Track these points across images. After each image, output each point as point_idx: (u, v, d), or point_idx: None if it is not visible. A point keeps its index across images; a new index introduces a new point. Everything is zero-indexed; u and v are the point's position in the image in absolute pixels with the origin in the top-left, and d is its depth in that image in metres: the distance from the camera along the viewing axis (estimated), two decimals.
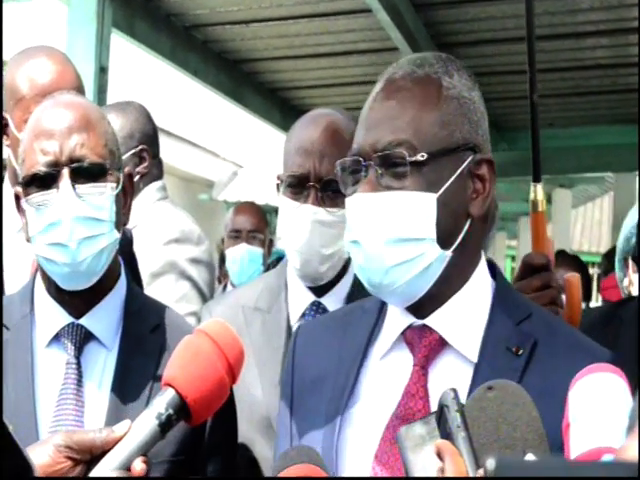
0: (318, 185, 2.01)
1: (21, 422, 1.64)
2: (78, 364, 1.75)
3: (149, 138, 2.92)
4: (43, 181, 1.70)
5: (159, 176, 2.96)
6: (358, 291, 1.93)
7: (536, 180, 2.08)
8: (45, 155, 1.71)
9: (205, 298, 2.75)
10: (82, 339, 1.77)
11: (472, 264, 1.48)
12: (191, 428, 1.56)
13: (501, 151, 6.73)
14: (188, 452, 1.74)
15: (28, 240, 1.76)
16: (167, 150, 4.53)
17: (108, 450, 1.40)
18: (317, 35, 4.98)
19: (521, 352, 1.41)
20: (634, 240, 2.35)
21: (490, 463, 0.81)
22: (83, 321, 1.77)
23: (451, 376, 1.41)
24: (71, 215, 1.68)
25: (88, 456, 1.41)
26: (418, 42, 4.63)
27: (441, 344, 1.45)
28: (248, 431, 2.00)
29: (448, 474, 1.13)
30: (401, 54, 4.58)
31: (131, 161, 2.80)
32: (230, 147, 13.14)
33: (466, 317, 1.45)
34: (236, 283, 4.41)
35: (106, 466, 1.38)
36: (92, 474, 1.39)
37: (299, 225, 2.02)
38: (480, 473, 1.12)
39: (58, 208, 1.69)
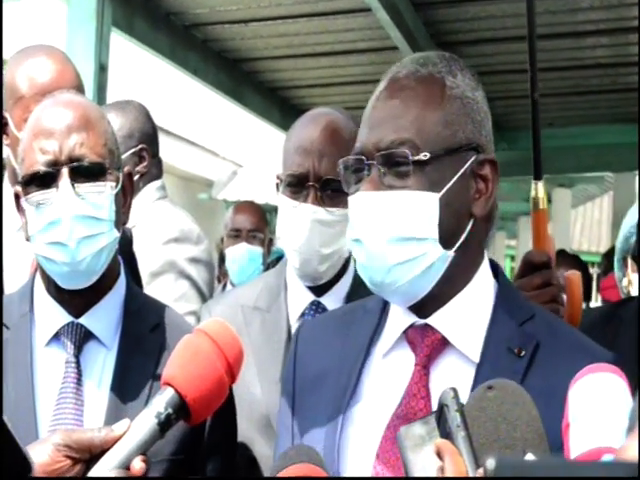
0: (317, 184, 2.01)
1: (21, 421, 1.63)
2: (78, 363, 1.75)
3: (149, 137, 2.92)
4: (43, 180, 1.70)
5: (158, 175, 2.96)
6: (357, 291, 1.93)
7: (537, 178, 2.07)
8: (45, 154, 1.71)
9: (204, 297, 2.74)
10: (82, 338, 1.77)
11: (475, 264, 1.48)
12: (190, 427, 1.56)
13: (501, 150, 6.72)
14: (187, 451, 1.74)
15: (28, 239, 1.76)
16: (167, 149, 4.53)
17: (107, 449, 1.40)
18: (316, 34, 4.98)
19: (523, 353, 1.41)
20: (633, 239, 2.34)
21: (490, 463, 0.81)
22: (83, 320, 1.77)
23: (453, 376, 1.41)
24: (70, 214, 1.68)
25: (87, 455, 1.41)
26: (418, 41, 4.63)
27: (443, 344, 1.45)
28: (248, 430, 2.00)
29: (448, 474, 1.13)
30: (401, 53, 4.58)
31: (131, 160, 2.80)
32: (230, 146, 13.12)
33: (468, 317, 1.45)
34: (236, 282, 4.41)
35: (105, 465, 1.38)
36: (91, 473, 1.39)
37: (298, 224, 2.01)
38: (480, 473, 1.12)
39: (58, 207, 1.68)
